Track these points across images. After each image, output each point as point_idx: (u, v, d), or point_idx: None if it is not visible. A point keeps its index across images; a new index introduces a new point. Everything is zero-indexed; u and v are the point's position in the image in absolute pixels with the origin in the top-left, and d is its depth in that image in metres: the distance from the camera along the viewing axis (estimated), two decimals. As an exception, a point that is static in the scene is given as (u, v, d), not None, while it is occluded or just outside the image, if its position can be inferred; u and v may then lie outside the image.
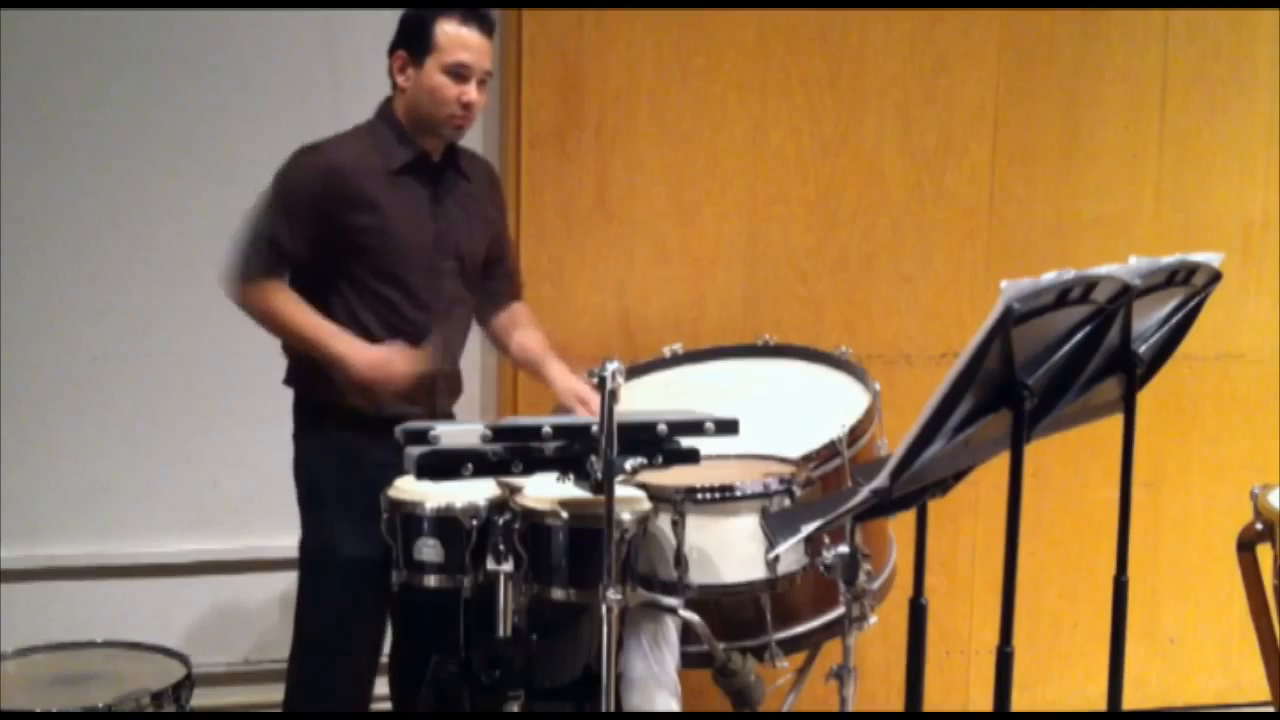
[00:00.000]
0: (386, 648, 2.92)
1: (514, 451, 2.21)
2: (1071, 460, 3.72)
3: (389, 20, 3.03)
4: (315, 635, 2.82)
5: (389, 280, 2.75)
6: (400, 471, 2.46)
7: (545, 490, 2.43)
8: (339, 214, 2.71)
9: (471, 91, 2.72)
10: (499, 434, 2.21)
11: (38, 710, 2.27)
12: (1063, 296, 1.83)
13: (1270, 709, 3.11)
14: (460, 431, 2.22)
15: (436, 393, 2.83)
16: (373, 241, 2.72)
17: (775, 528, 2.44)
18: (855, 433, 2.78)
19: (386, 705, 3.00)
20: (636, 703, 2.55)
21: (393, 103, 2.81)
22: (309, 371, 2.77)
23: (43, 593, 3.39)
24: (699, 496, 2.50)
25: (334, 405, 2.75)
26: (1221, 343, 3.89)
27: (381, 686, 2.95)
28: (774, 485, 2.52)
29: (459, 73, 2.70)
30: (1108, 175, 3.81)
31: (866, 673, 3.18)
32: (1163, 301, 2.16)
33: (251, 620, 3.55)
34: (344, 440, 2.75)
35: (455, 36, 2.70)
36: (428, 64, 2.71)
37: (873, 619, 2.59)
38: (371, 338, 2.73)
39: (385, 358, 2.68)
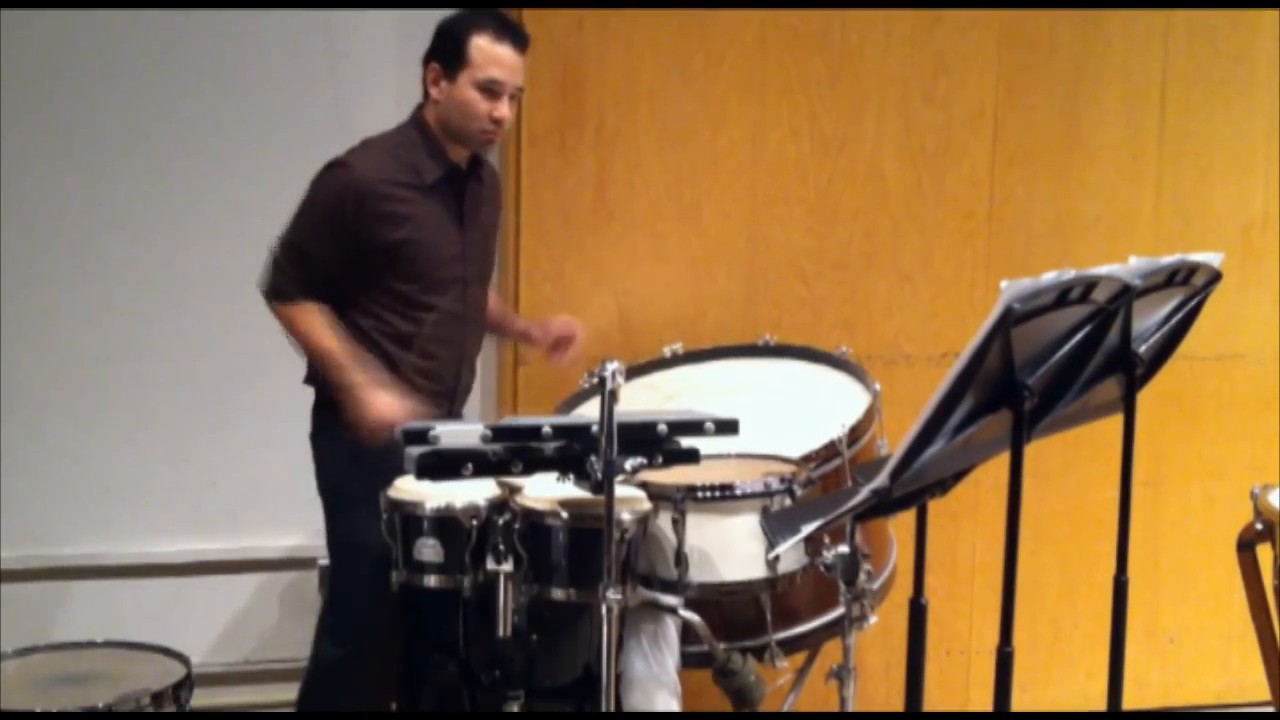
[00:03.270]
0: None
1: (514, 451, 2.21)
2: (1071, 460, 3.72)
3: (390, 21, 3.04)
4: (351, 628, 2.83)
5: (425, 293, 2.77)
6: None
7: (545, 490, 2.43)
8: (369, 228, 2.71)
9: (503, 108, 2.74)
10: (499, 434, 2.21)
11: (38, 710, 2.27)
12: (1063, 296, 1.84)
13: (1270, 709, 3.11)
14: (460, 431, 2.22)
15: (452, 412, 2.88)
16: (407, 255, 2.74)
17: (775, 527, 2.44)
18: (855, 433, 2.78)
19: (386, 705, 3.00)
20: (636, 702, 2.55)
21: (424, 111, 2.82)
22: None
23: (43, 593, 3.39)
24: (699, 495, 2.50)
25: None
26: (1221, 343, 3.89)
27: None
28: (774, 484, 2.52)
29: (491, 89, 2.72)
30: (1108, 175, 3.80)
31: (866, 673, 3.18)
32: (1163, 301, 2.17)
33: (251, 620, 3.55)
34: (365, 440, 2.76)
35: (489, 53, 2.71)
36: (460, 78, 2.72)
37: (873, 619, 2.59)
38: (408, 350, 2.77)
39: (391, 414, 2.63)
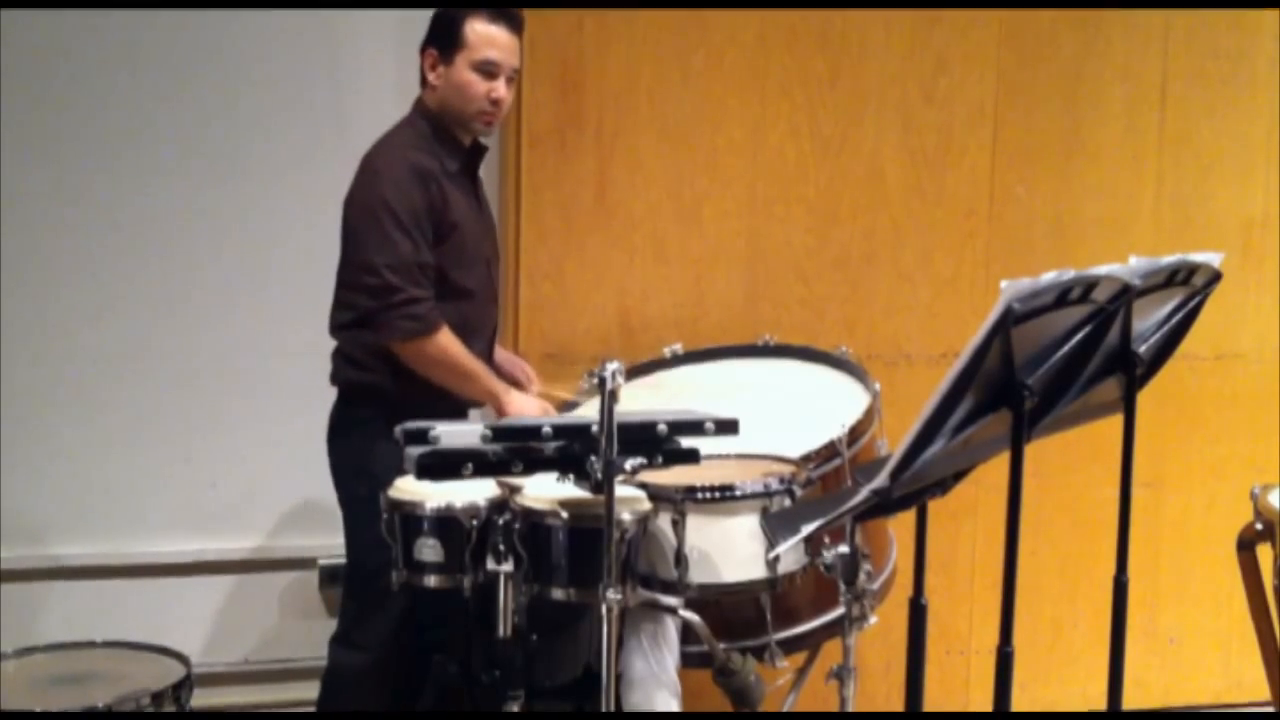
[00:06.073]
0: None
1: (514, 451, 2.21)
2: (1071, 460, 3.72)
3: (390, 20, 3.03)
4: (374, 631, 2.84)
5: (467, 278, 2.83)
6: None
7: (545, 490, 2.43)
8: (439, 213, 2.77)
9: (500, 88, 2.81)
10: (499, 434, 2.21)
11: (38, 710, 2.27)
12: (1063, 296, 1.84)
13: (1270, 709, 3.11)
14: (460, 431, 2.22)
15: None
16: (457, 240, 2.80)
17: (775, 527, 2.44)
18: (855, 432, 2.78)
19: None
20: (636, 702, 2.55)
21: (424, 101, 2.87)
22: (389, 371, 2.77)
23: (43, 593, 3.39)
24: (699, 496, 2.50)
25: (408, 403, 2.67)
26: (1221, 343, 3.89)
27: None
28: (774, 485, 2.52)
29: (488, 70, 2.79)
30: (1108, 175, 3.81)
31: (866, 673, 3.18)
32: (1163, 301, 2.17)
33: (251, 620, 3.54)
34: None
35: (484, 34, 2.79)
36: (457, 61, 2.79)
37: (873, 619, 2.59)
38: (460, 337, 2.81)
39: (533, 412, 2.80)
